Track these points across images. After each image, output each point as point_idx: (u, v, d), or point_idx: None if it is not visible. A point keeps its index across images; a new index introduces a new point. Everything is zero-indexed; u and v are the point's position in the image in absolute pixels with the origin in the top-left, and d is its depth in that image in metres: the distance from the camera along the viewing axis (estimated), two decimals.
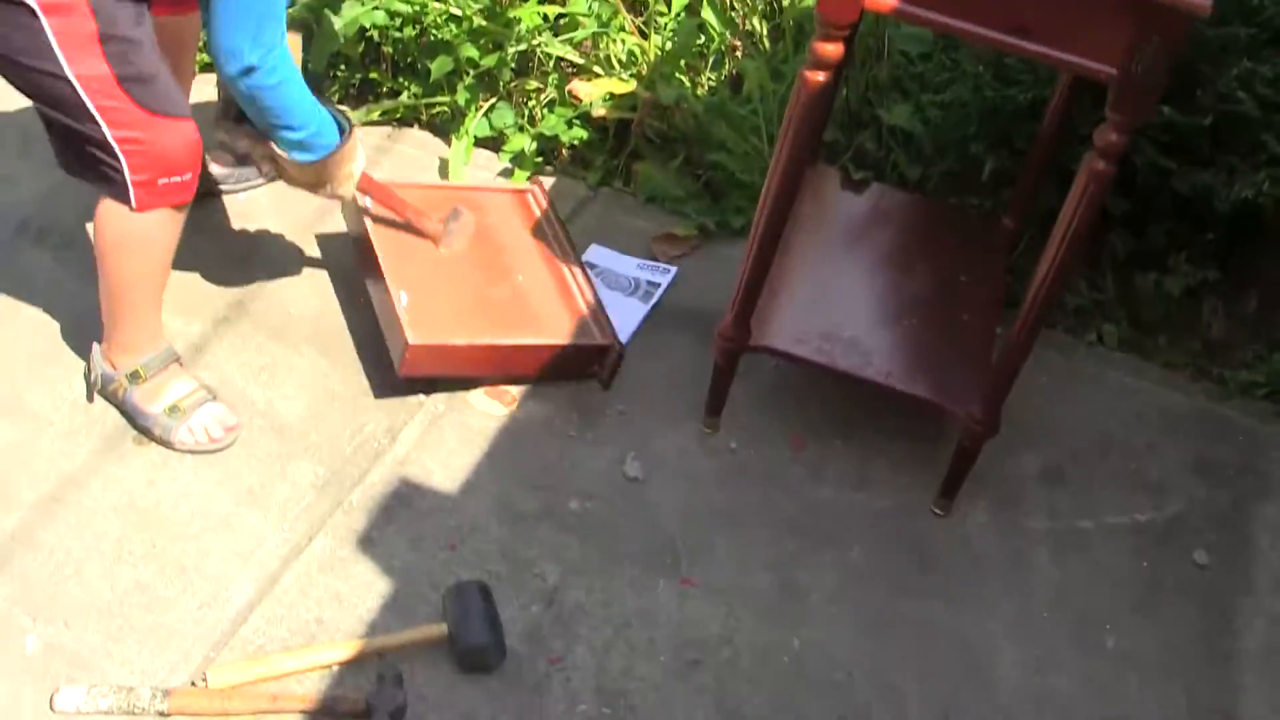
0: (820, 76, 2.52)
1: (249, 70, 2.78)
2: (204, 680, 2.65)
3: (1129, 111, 2.37)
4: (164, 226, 2.96)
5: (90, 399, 3.21)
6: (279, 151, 3.05)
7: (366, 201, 3.33)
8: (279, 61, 2.83)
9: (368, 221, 3.32)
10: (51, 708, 2.59)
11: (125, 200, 2.87)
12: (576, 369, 3.28)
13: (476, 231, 3.44)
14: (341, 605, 2.81)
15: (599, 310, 3.33)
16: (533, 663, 2.73)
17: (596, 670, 2.73)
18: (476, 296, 3.30)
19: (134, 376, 3.14)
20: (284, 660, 2.69)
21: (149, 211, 2.90)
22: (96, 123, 2.77)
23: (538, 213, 3.58)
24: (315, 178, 3.11)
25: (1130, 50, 2.28)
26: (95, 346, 3.19)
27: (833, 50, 2.48)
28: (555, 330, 3.27)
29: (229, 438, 3.15)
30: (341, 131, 3.08)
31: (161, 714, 2.59)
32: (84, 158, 2.86)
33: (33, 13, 2.62)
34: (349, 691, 2.65)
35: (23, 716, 2.60)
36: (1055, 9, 2.32)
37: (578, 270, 3.41)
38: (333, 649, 2.71)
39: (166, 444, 3.13)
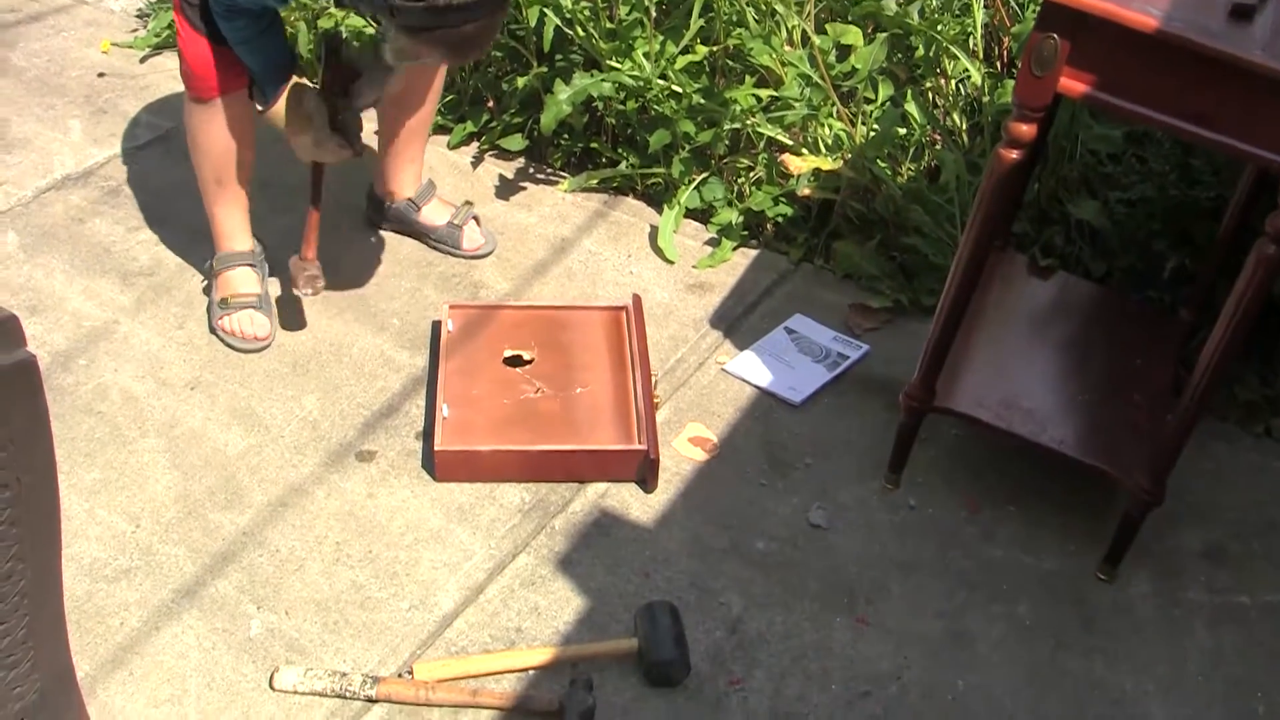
0: (1014, 154, 2.71)
1: None
2: (410, 673, 2.85)
3: None
4: (190, 111, 3.53)
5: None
6: None
7: (449, 325, 3.64)
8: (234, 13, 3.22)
9: (443, 337, 3.60)
10: (271, 685, 2.82)
11: None
12: (611, 472, 3.34)
13: (550, 345, 3.61)
14: (540, 617, 3.01)
15: (646, 418, 3.36)
16: (714, 682, 2.89)
17: (773, 694, 2.88)
18: (523, 408, 3.45)
19: (209, 269, 3.68)
20: (484, 661, 2.89)
21: (185, 91, 3.49)
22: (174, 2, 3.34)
23: (625, 329, 3.66)
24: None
25: None
26: None
27: (1027, 130, 2.68)
28: (590, 437, 3.37)
29: (255, 344, 3.62)
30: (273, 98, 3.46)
31: (370, 699, 2.80)
32: None
33: None
34: (543, 692, 2.82)
35: (243, 690, 2.83)
36: (1235, 100, 2.46)
37: (640, 382, 3.47)
38: (530, 655, 2.90)
39: (210, 328, 3.70)
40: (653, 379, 3.54)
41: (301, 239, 3.61)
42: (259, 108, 3.47)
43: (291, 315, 3.74)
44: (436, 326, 3.74)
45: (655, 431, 3.34)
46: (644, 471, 3.30)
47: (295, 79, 3.43)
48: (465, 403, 3.43)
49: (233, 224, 3.71)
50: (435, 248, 4.07)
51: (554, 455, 3.31)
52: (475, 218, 4.08)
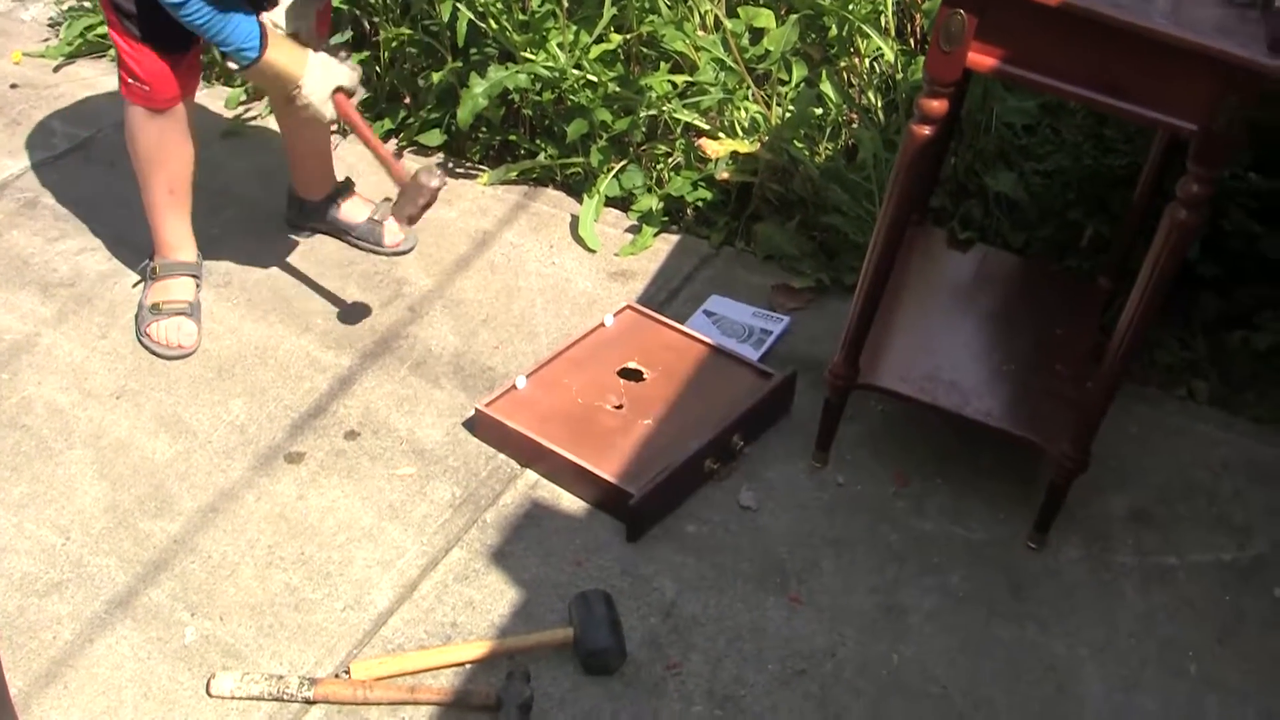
0: (926, 130, 2.73)
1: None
2: (347, 673, 2.85)
3: (1208, 164, 2.53)
4: (144, 124, 3.51)
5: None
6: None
7: (608, 321, 3.68)
8: None
9: (593, 327, 3.66)
10: (208, 691, 2.81)
11: None
12: (604, 503, 3.25)
13: (675, 375, 3.53)
14: (475, 611, 3.01)
15: (666, 472, 3.20)
16: (651, 667, 2.90)
17: (710, 676, 2.89)
18: (587, 411, 3.43)
19: (151, 271, 3.67)
20: (421, 658, 2.88)
21: (127, 104, 3.49)
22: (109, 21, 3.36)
23: (754, 391, 3.47)
24: (267, 83, 3.52)
25: (1209, 108, 2.46)
26: None
27: (938, 106, 2.70)
28: (601, 462, 3.26)
29: (181, 352, 3.61)
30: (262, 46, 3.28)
31: (308, 701, 2.79)
32: None
33: None
34: (480, 686, 2.82)
35: (181, 698, 2.82)
36: (1143, 69, 2.49)
37: (705, 442, 3.29)
38: (466, 649, 2.90)
39: (137, 333, 3.69)
40: (736, 446, 3.40)
41: (389, 170, 3.49)
42: (236, 66, 3.33)
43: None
44: (367, 325, 3.78)
45: (669, 488, 3.24)
46: (626, 517, 3.19)
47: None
48: (548, 385, 3.48)
49: (180, 234, 3.71)
50: (356, 245, 4.08)
51: (565, 462, 3.28)
52: None
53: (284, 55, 3.30)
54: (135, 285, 3.82)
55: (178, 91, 3.46)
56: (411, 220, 3.44)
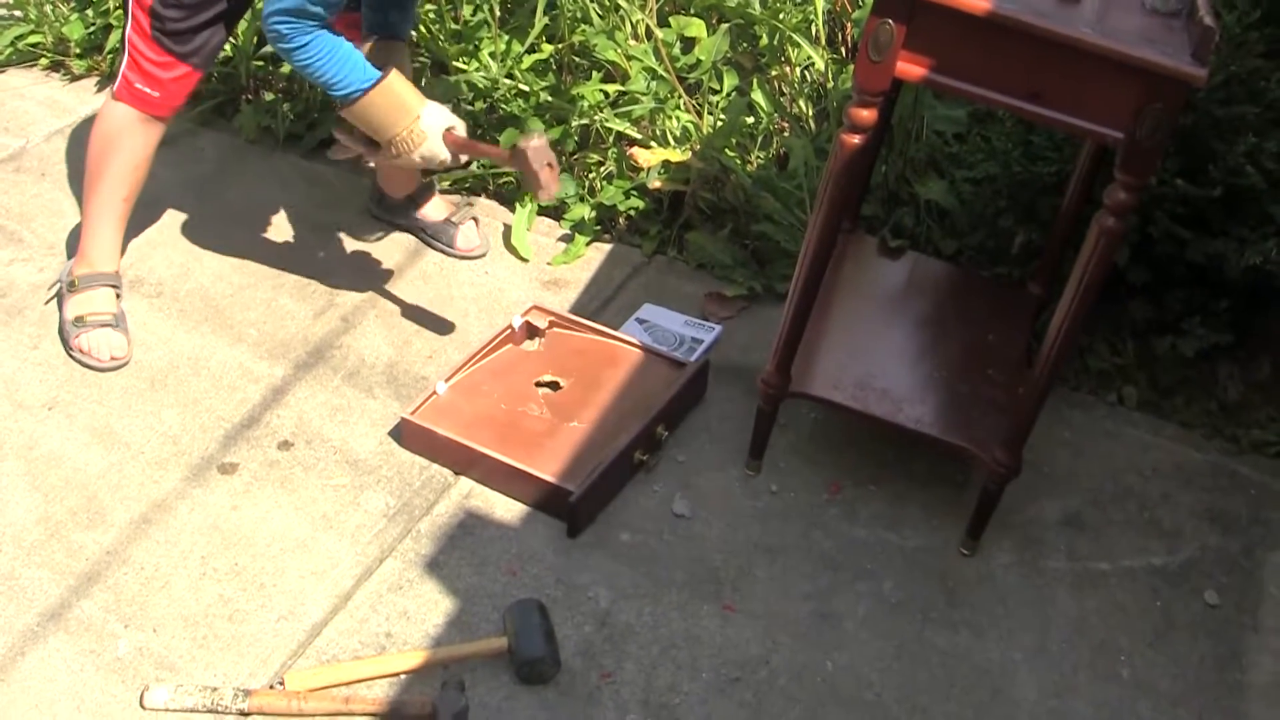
0: (856, 139, 2.74)
1: (275, 36, 3.14)
2: (281, 684, 2.83)
3: (1135, 172, 2.55)
4: (129, 128, 3.56)
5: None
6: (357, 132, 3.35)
7: (515, 322, 3.66)
8: (301, 29, 3.12)
9: (504, 332, 3.65)
10: (141, 704, 2.79)
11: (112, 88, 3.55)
12: (542, 503, 3.26)
13: (589, 379, 3.55)
14: (409, 621, 3.00)
15: (601, 466, 3.23)
16: (585, 676, 2.89)
17: (644, 685, 2.89)
18: (512, 416, 3.45)
19: (71, 284, 3.65)
20: (356, 668, 2.87)
21: (119, 105, 3.52)
22: (128, 18, 3.38)
23: (672, 382, 3.50)
24: (374, 120, 3.24)
25: (1135, 115, 2.48)
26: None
27: (867, 115, 2.71)
28: (535, 463, 3.27)
29: (112, 364, 3.58)
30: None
31: (242, 713, 2.78)
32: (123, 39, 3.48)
33: None
34: (415, 696, 2.82)
35: (114, 711, 2.79)
36: (1069, 78, 2.50)
37: (633, 435, 3.32)
38: (401, 659, 2.89)
39: (66, 347, 3.65)
40: (660, 435, 3.42)
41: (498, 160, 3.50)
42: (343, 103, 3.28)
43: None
44: (300, 335, 3.76)
45: (604, 483, 3.27)
46: (567, 514, 3.21)
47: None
48: (468, 392, 3.49)
49: (111, 245, 3.71)
50: (429, 244, 4.13)
51: (500, 465, 3.28)
52: (474, 219, 4.12)
53: (404, 86, 3.26)
54: (48, 302, 3.80)
55: (181, 103, 3.56)
56: (548, 187, 3.29)
